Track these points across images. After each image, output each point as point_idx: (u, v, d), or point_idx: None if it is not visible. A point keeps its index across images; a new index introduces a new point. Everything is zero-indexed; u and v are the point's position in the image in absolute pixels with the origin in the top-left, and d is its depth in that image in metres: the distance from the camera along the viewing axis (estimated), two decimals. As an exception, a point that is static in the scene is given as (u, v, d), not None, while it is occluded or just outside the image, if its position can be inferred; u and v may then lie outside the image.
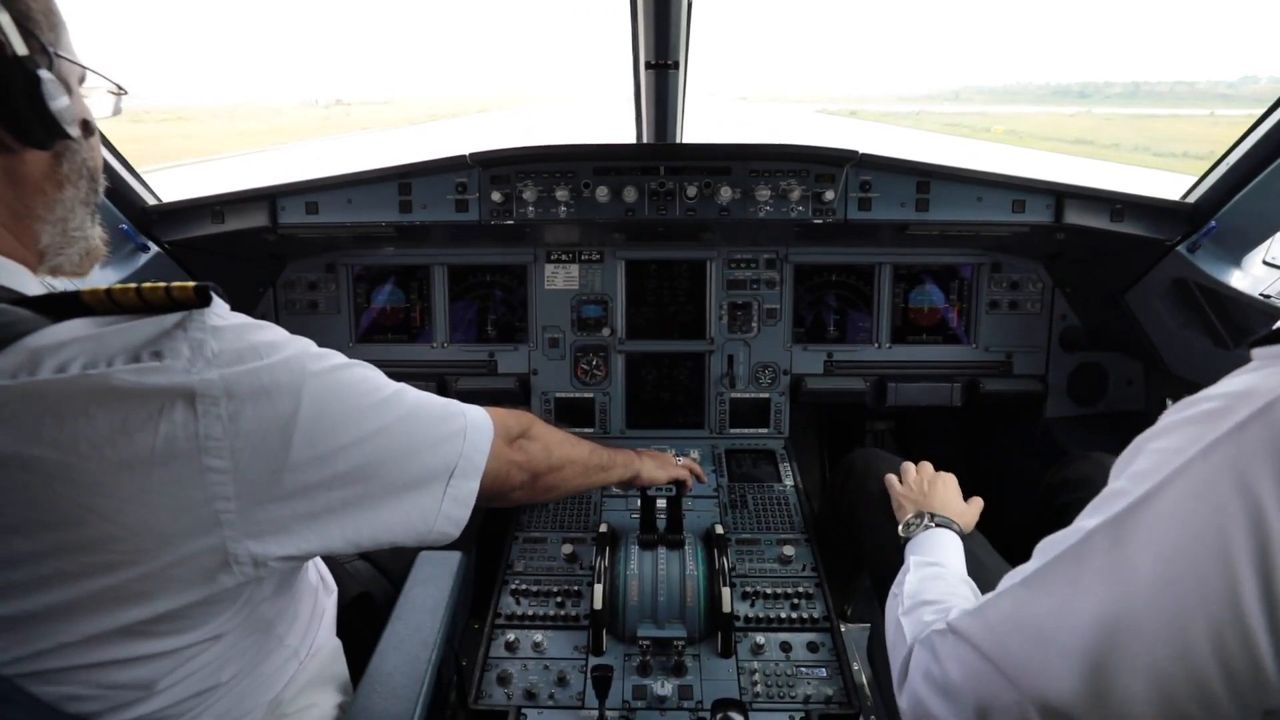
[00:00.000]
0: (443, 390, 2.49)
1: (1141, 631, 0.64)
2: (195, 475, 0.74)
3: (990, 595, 0.83)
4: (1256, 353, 0.68)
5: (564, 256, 2.50)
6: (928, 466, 1.79)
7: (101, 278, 1.99)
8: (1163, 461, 0.67)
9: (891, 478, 1.75)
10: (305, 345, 0.87)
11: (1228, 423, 0.63)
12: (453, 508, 0.97)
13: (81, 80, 0.90)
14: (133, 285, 0.76)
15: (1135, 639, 0.65)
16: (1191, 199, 2.01)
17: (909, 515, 1.56)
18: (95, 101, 0.95)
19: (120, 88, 1.00)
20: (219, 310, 0.80)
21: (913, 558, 1.34)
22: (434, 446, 0.96)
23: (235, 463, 0.76)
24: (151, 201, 2.12)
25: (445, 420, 1.00)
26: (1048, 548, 0.77)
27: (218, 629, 0.84)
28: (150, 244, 2.09)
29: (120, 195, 2.00)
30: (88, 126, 0.89)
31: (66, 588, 0.72)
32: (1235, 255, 1.95)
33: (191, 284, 0.76)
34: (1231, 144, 1.88)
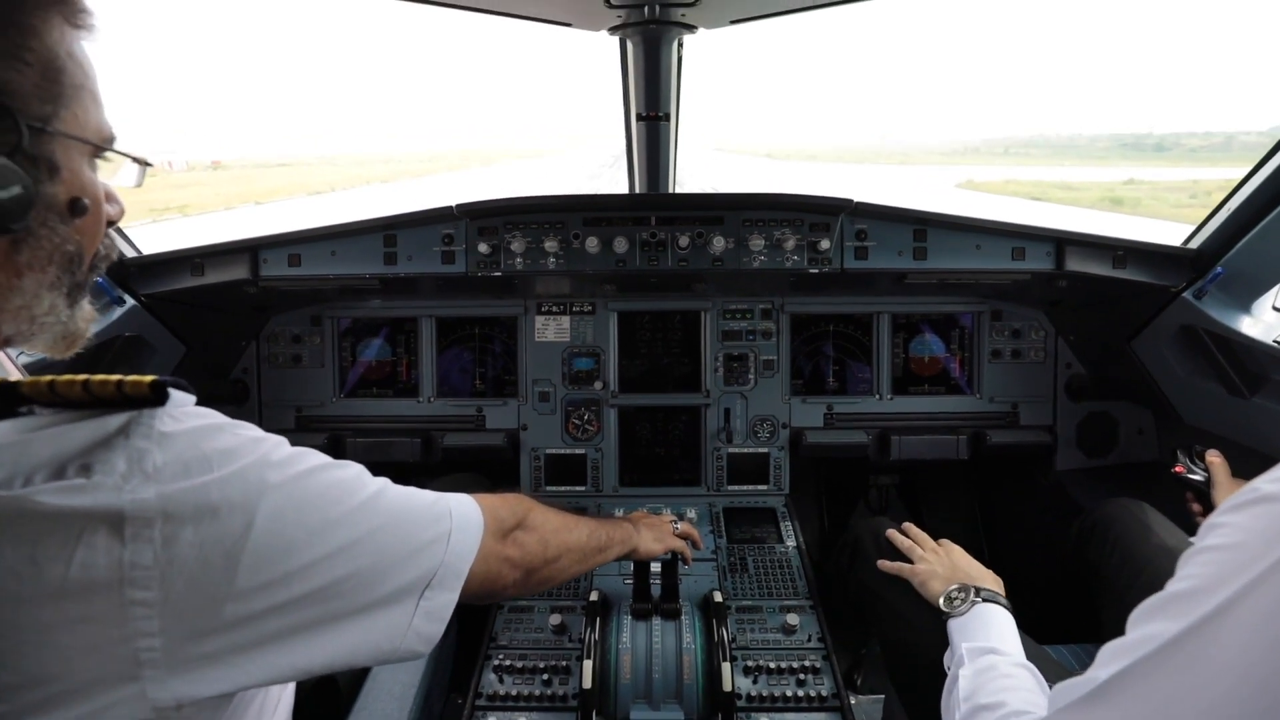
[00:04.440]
0: (428, 446, 2.39)
1: None
2: (114, 610, 0.64)
3: (1057, 713, 0.76)
4: None
5: (555, 308, 2.45)
6: (925, 537, 1.70)
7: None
8: (1238, 563, 0.63)
9: (900, 565, 1.64)
10: (269, 450, 0.77)
11: None
12: (425, 624, 0.86)
13: (98, 154, 0.81)
14: (80, 377, 0.68)
15: None
16: (1194, 244, 1.98)
17: (950, 589, 1.46)
18: (119, 172, 0.88)
19: (142, 159, 0.93)
20: (175, 410, 0.71)
21: (964, 645, 1.23)
22: (411, 557, 0.86)
23: (165, 593, 0.66)
24: (130, 254, 2.07)
25: (427, 525, 0.91)
26: (1115, 655, 0.71)
27: None
28: (126, 297, 2.02)
29: None
30: (76, 206, 0.78)
31: None
32: (1244, 301, 1.90)
33: (148, 379, 0.68)
34: (1232, 188, 1.86)
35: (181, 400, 0.72)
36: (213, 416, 0.75)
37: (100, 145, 0.80)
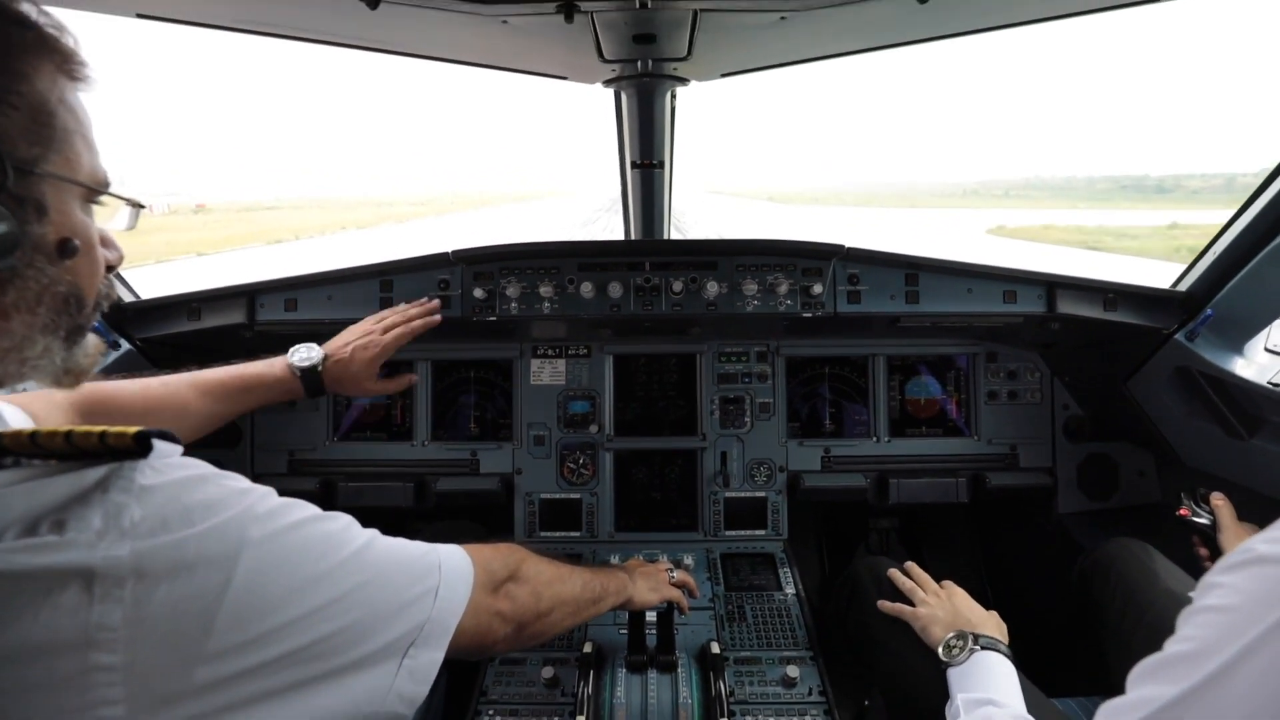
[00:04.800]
0: (422, 491, 2.36)
1: None
2: (75, 676, 0.61)
3: None
4: None
5: (550, 351, 2.45)
6: (927, 578, 1.66)
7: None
8: (1235, 626, 0.63)
9: (901, 607, 1.61)
10: (254, 503, 0.75)
11: None
12: (408, 684, 0.83)
13: (91, 197, 0.81)
14: (63, 428, 0.67)
15: None
16: (1183, 286, 2.00)
17: (949, 635, 1.43)
18: (114, 216, 0.89)
19: (136, 202, 0.93)
20: (158, 461, 0.70)
21: (960, 696, 1.20)
22: (396, 614, 0.84)
23: (132, 657, 0.63)
24: (128, 298, 2.08)
25: (414, 580, 0.89)
26: (1113, 715, 0.71)
27: None
28: (122, 341, 2.03)
29: None
30: (65, 247, 0.78)
31: None
32: (1236, 343, 1.91)
33: (132, 430, 0.67)
34: (1219, 230, 1.88)
35: (166, 450, 0.71)
36: (198, 467, 0.74)
37: (93, 188, 0.80)
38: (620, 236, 2.59)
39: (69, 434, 0.66)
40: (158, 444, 0.69)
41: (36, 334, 0.77)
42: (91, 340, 0.85)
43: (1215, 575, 0.70)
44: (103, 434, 0.66)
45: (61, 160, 0.76)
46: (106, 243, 0.86)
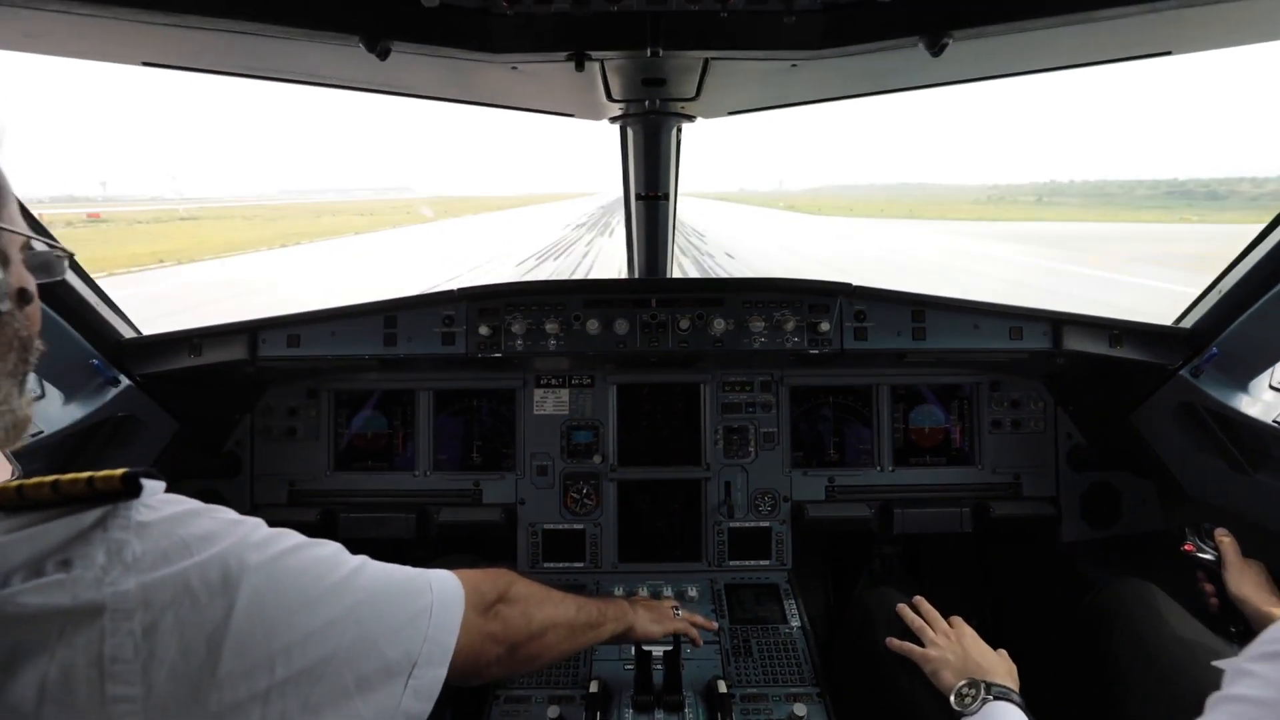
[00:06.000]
0: (424, 521, 2.34)
1: None
2: (95, 709, 0.62)
3: None
4: None
5: (554, 381, 2.44)
6: (937, 615, 1.66)
7: (65, 414, 1.90)
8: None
9: (911, 647, 1.60)
10: (247, 532, 0.77)
11: None
12: (414, 702, 0.84)
13: (25, 247, 0.84)
14: (48, 479, 0.67)
15: None
16: (1188, 323, 2.00)
17: (960, 684, 1.43)
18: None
19: (66, 251, 0.95)
20: (150, 499, 0.71)
21: None
22: (396, 633, 0.85)
23: (148, 687, 0.64)
24: (128, 334, 2.06)
25: (408, 599, 0.90)
26: None
27: None
28: (121, 377, 2.00)
29: (93, 329, 1.94)
30: (23, 295, 0.82)
31: None
32: (1241, 380, 1.91)
33: (119, 472, 0.68)
34: (1224, 269, 1.89)
35: (154, 488, 0.72)
36: (188, 503, 0.75)
37: (30, 237, 0.84)
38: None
39: (55, 483, 0.66)
40: (146, 483, 0.70)
41: (3, 379, 0.80)
42: (29, 389, 0.87)
43: (1247, 662, 0.68)
44: (90, 479, 0.67)
45: (9, 214, 0.80)
46: None
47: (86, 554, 0.64)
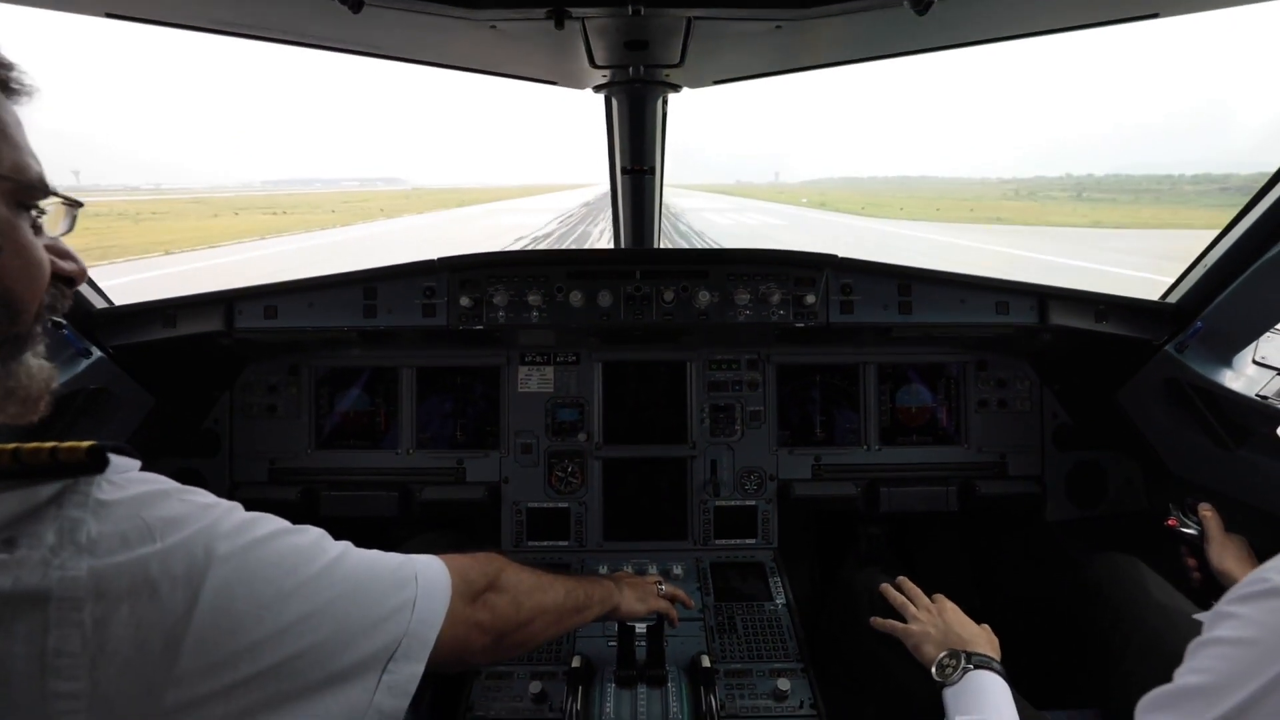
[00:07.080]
0: (406, 500, 2.32)
1: None
2: (32, 705, 0.58)
3: None
4: None
5: (538, 359, 2.41)
6: (919, 593, 1.66)
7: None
8: (1253, 661, 0.60)
9: (894, 624, 1.61)
10: (219, 518, 0.72)
11: None
12: (388, 699, 0.80)
13: (19, 195, 0.71)
14: (9, 446, 0.62)
15: None
16: (1173, 299, 2.00)
17: (941, 655, 1.43)
18: (48, 216, 0.78)
19: (72, 200, 0.81)
20: (116, 476, 0.66)
21: (957, 719, 1.19)
22: (374, 627, 0.81)
23: (94, 683, 0.59)
24: (100, 304, 2.01)
25: (391, 592, 0.85)
26: None
27: None
28: (93, 349, 1.96)
29: None
30: None
31: None
32: (1224, 356, 1.91)
33: (85, 444, 0.63)
34: (1208, 244, 1.89)
35: (124, 465, 0.67)
36: (159, 482, 0.70)
37: (13, 179, 0.70)
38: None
39: (16, 450, 0.62)
40: (114, 458, 0.66)
41: None
42: (32, 361, 0.74)
43: (1227, 605, 0.68)
44: (54, 449, 0.62)
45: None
46: (63, 254, 0.78)
47: (35, 532, 0.60)
